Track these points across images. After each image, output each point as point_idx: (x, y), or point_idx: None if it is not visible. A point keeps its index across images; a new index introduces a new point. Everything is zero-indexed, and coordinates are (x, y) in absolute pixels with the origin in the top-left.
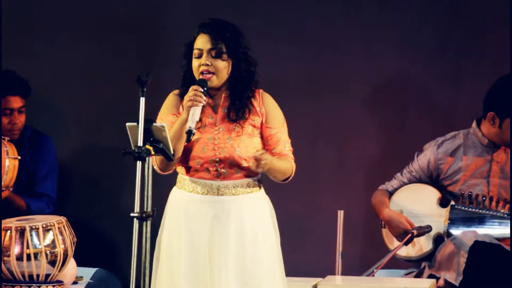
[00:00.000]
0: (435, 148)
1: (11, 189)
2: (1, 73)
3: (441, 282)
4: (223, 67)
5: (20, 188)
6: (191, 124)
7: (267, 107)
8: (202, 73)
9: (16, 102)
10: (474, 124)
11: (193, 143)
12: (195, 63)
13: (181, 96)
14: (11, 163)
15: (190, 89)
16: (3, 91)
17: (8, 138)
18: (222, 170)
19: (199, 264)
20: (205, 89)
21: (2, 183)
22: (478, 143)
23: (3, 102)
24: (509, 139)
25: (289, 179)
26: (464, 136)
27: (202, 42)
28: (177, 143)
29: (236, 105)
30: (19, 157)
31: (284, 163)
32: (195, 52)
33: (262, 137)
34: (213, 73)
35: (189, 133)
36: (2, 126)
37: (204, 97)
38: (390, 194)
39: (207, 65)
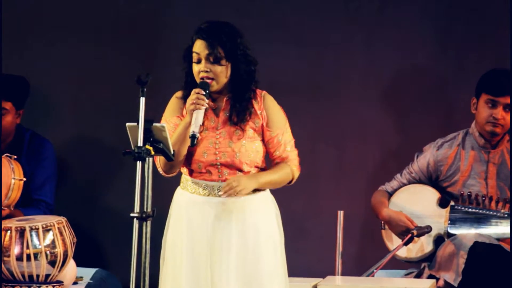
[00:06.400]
0: (434, 149)
1: (12, 208)
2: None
3: (441, 282)
4: (222, 71)
5: None
6: (195, 128)
7: (268, 110)
8: (202, 79)
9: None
10: (473, 123)
11: (195, 147)
12: (195, 68)
13: (184, 98)
14: (16, 183)
15: (192, 92)
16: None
17: (15, 156)
18: (224, 171)
19: (200, 265)
20: (207, 92)
21: (6, 201)
22: (476, 143)
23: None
24: (482, 121)
25: (293, 182)
26: (463, 137)
27: (199, 47)
28: (180, 146)
29: (237, 107)
30: (25, 179)
31: (278, 172)
32: (194, 56)
33: (263, 140)
34: (213, 79)
35: (193, 137)
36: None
37: (206, 100)
38: (390, 194)
39: (206, 71)
